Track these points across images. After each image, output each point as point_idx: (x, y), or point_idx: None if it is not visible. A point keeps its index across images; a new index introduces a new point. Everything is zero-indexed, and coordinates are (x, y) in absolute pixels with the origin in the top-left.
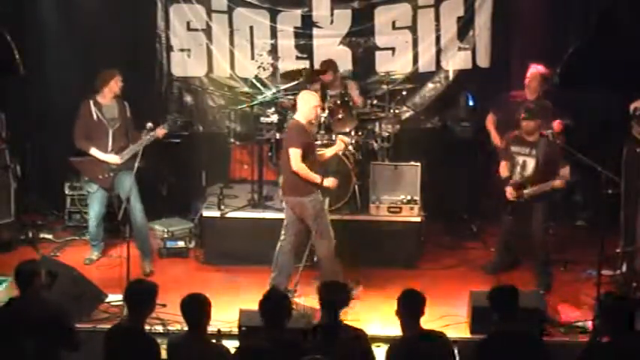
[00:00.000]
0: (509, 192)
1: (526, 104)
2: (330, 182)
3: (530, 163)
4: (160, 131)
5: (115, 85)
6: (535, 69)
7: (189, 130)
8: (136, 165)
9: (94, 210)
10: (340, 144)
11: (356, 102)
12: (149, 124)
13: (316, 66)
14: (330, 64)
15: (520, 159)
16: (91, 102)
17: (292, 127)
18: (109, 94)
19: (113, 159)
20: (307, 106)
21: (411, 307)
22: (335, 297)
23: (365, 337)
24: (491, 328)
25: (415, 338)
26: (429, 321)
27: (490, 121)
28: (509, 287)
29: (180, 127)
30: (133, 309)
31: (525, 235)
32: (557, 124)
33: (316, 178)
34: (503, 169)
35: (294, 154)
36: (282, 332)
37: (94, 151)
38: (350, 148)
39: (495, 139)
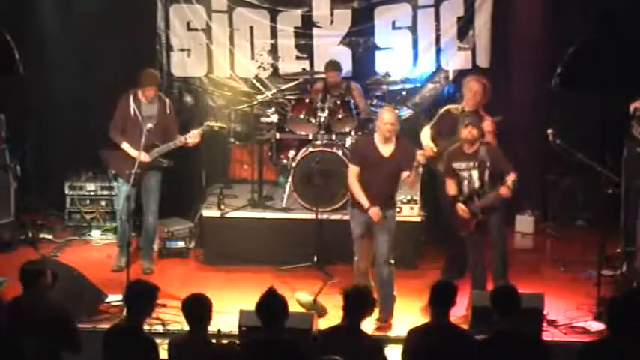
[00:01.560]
0: (462, 209)
1: (465, 115)
2: (373, 213)
3: (475, 175)
4: (196, 138)
5: (148, 92)
6: (478, 81)
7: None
8: (164, 163)
9: (121, 205)
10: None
11: (361, 107)
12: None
13: (316, 66)
14: (336, 65)
15: (465, 174)
16: (131, 96)
17: (356, 141)
18: (143, 94)
19: (143, 156)
20: (378, 122)
21: (441, 297)
22: (358, 304)
23: (381, 348)
24: (492, 327)
25: (441, 326)
26: None
27: (426, 134)
28: (511, 288)
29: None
30: (131, 309)
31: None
32: (488, 125)
33: (364, 202)
34: (451, 187)
35: (349, 171)
36: (281, 332)
37: (125, 146)
38: (420, 169)
39: (427, 150)
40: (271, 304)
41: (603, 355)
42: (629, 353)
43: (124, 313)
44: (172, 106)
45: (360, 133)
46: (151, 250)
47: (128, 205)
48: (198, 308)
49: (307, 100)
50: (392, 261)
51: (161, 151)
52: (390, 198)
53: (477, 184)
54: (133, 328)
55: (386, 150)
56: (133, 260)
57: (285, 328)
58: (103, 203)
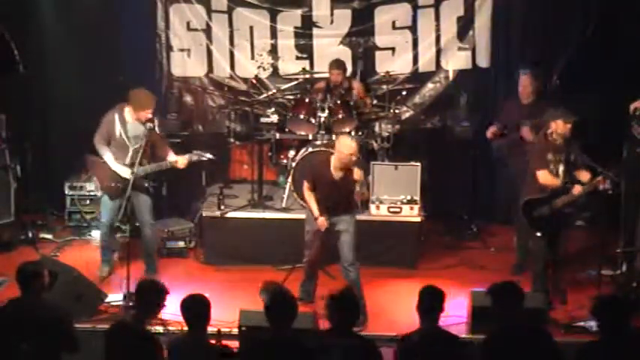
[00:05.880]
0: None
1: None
2: (320, 223)
3: (561, 169)
4: (182, 162)
5: (142, 115)
6: (524, 74)
7: (189, 130)
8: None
9: (105, 216)
10: None
11: (367, 103)
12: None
13: (316, 66)
14: (340, 64)
15: (552, 166)
16: (117, 115)
17: (311, 163)
18: (133, 115)
19: (123, 172)
20: (339, 148)
21: (428, 302)
22: (338, 309)
23: (375, 347)
24: (492, 325)
25: (430, 333)
26: None
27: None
28: (510, 283)
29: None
30: (140, 306)
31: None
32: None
33: (315, 212)
34: (552, 179)
35: (304, 185)
36: (288, 333)
37: (108, 157)
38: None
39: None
40: (284, 304)
41: (600, 355)
42: (622, 353)
43: (123, 311)
44: (158, 126)
45: (360, 133)
46: (154, 263)
47: (113, 215)
48: (197, 308)
49: (307, 100)
50: (356, 263)
51: (146, 170)
52: (346, 206)
53: (561, 178)
54: (139, 325)
55: (338, 174)
56: (134, 261)
57: (291, 328)
58: None
